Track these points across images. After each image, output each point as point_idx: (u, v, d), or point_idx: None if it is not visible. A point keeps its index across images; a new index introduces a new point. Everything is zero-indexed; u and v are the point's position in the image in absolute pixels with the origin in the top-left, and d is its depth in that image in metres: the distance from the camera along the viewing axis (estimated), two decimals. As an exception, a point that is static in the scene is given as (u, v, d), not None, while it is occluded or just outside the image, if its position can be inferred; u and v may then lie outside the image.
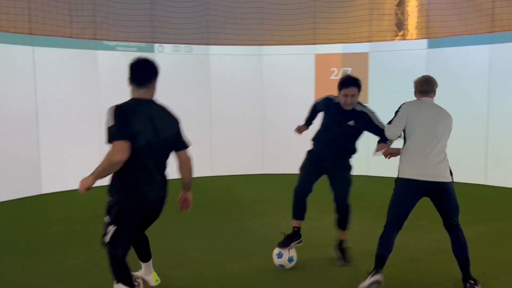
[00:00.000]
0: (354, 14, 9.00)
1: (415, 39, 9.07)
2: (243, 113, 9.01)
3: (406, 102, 3.83)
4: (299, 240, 4.30)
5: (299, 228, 4.31)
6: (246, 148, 9.06)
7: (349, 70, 8.82)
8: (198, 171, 8.54)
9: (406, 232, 5.24)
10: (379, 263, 3.71)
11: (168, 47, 8.46)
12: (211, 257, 4.53)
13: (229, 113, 8.94)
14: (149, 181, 3.02)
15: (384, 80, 8.65)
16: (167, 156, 3.14)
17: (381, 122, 4.13)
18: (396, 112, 3.78)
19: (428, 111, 3.70)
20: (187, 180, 3.21)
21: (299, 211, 4.29)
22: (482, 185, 7.74)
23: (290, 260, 4.16)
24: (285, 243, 4.22)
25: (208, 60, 8.75)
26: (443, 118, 3.71)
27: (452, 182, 3.68)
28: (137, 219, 3.07)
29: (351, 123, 4.14)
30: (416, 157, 3.63)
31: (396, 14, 9.53)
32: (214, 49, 8.78)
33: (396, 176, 3.76)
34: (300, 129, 4.49)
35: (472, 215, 5.95)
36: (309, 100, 9.24)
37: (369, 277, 3.64)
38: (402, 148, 3.78)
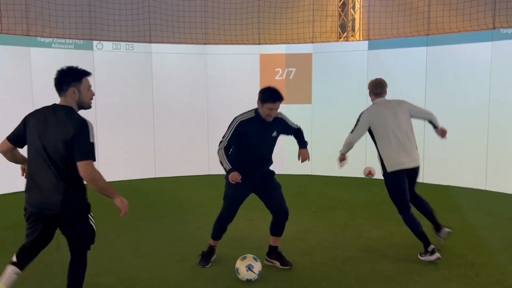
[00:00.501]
0: (298, 15, 9.06)
1: (357, 40, 9.24)
2: (187, 113, 8.86)
3: (364, 111, 4.50)
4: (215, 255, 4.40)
5: (216, 246, 4.40)
6: (191, 149, 8.92)
7: (294, 71, 8.89)
8: (141, 173, 8.54)
9: (342, 231, 5.35)
10: (425, 240, 4.26)
11: (107, 44, 8.18)
12: (143, 262, 4.38)
13: (173, 113, 8.77)
14: (35, 185, 3.01)
15: (327, 81, 8.77)
16: (63, 163, 2.92)
17: (292, 122, 4.27)
18: (357, 122, 4.45)
19: (386, 110, 4.41)
20: (98, 192, 2.98)
21: (220, 234, 4.33)
22: (421, 183, 7.98)
23: (259, 274, 3.92)
24: (205, 261, 4.28)
25: (151, 58, 8.54)
26: (398, 105, 4.47)
27: None
28: (36, 221, 3.05)
29: (274, 134, 4.11)
30: (396, 149, 4.32)
31: (340, 16, 9.68)
32: (157, 47, 8.57)
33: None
34: (237, 178, 3.90)
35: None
36: (255, 100, 9.31)
37: (428, 255, 4.21)
38: (378, 148, 4.41)
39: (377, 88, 4.52)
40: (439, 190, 7.53)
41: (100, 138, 8.21)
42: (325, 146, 8.15)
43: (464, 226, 5.44)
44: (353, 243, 4.90)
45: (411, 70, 8.02)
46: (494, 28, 7.23)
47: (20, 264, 3.07)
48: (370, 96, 4.59)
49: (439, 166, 7.86)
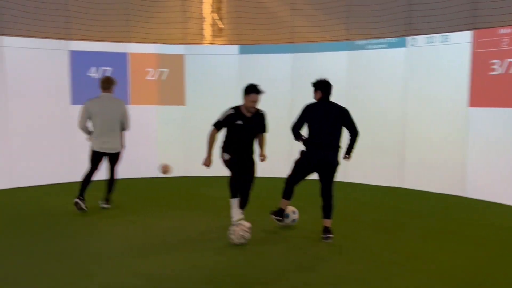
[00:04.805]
0: (168, 15, 8.95)
1: (226, 44, 9.52)
2: (49, 114, 8.01)
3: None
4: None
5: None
6: (53, 154, 8.09)
7: (166, 72, 8.74)
8: None
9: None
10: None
11: None
12: (45, 284, 3.89)
13: (31, 115, 7.84)
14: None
15: (200, 82, 8.86)
16: None
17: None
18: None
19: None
20: None
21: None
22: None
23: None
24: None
25: (3, 53, 7.49)
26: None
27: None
28: None
29: None
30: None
31: (205, 19, 9.83)
32: (10, 40, 7.56)
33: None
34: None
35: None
36: (124, 100, 8.88)
37: None
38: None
39: None
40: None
41: None
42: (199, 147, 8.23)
43: (343, 215, 6.10)
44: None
45: (279, 75, 8.61)
46: (348, 39, 8.23)
47: None
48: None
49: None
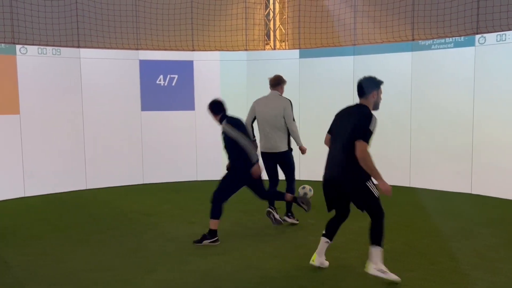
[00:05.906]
0: (231, 23, 9.20)
1: (287, 49, 9.60)
2: (120, 120, 8.55)
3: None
4: None
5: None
6: (124, 158, 8.61)
7: (228, 77, 8.97)
8: (71, 185, 8.05)
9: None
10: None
11: (32, 49, 7.62)
12: (109, 277, 4.19)
13: (104, 120, 8.41)
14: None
15: (262, 87, 8.97)
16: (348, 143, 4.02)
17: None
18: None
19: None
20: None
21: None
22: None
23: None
24: None
25: (80, 64, 8.11)
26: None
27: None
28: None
29: None
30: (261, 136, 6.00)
31: (266, 24, 10.00)
32: (86, 52, 8.18)
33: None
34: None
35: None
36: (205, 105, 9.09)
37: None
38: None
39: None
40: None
41: (26, 148, 7.65)
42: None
43: (404, 221, 5.93)
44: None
45: (340, 78, 8.53)
46: (413, 39, 7.98)
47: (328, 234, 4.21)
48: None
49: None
